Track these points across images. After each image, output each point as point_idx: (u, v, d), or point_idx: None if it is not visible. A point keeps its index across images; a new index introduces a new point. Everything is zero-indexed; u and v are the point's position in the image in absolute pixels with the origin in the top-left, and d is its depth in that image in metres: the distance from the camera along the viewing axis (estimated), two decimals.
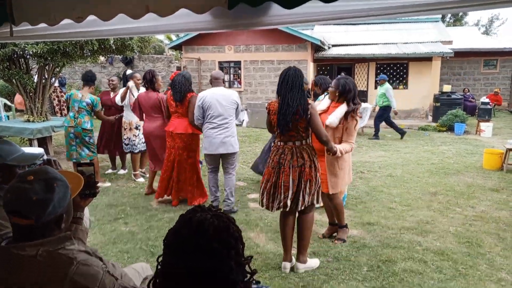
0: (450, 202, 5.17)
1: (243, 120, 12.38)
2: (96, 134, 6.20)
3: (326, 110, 3.76)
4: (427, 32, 15.97)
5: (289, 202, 3.21)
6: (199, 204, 1.39)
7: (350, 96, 3.65)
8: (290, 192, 3.20)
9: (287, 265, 3.36)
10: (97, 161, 6.03)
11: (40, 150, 2.02)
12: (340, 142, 3.63)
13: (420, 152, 8.62)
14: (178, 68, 14.46)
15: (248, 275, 1.17)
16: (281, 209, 3.29)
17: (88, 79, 5.82)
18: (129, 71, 6.24)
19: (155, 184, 5.34)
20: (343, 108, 3.64)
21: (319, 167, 3.32)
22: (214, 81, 4.71)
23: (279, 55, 14.09)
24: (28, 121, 7.27)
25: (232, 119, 4.62)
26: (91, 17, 1.87)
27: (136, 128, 6.04)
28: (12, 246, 1.25)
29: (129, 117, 6.01)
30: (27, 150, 1.97)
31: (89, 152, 5.79)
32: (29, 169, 1.76)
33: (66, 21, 1.93)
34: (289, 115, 3.12)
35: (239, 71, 14.61)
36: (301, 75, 3.23)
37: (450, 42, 15.13)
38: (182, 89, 4.74)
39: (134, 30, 2.44)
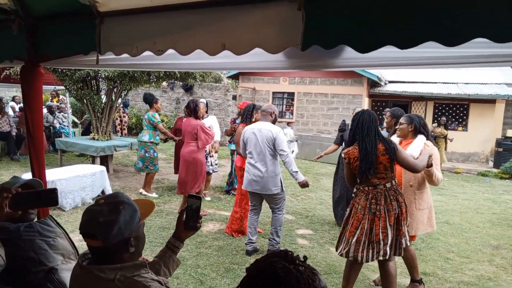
0: None
1: (293, 151, 12.32)
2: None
3: None
4: (490, 73, 15.29)
5: (388, 250, 3.00)
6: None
7: (427, 130, 3.43)
8: (389, 238, 2.98)
9: None
10: (151, 176, 6.51)
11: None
12: (419, 178, 3.36)
13: (479, 200, 8.09)
14: (234, 97, 14.92)
15: None
16: (381, 258, 3.03)
17: (147, 101, 6.58)
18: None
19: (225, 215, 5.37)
20: (422, 138, 3.40)
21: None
22: (262, 114, 4.45)
23: (334, 88, 14.04)
24: (94, 139, 7.74)
25: (270, 156, 4.20)
26: (169, 51, 1.98)
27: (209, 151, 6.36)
28: (93, 267, 1.31)
29: None
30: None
31: (142, 165, 6.34)
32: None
33: (146, 52, 2.06)
34: (368, 162, 2.96)
35: (292, 102, 14.72)
36: (376, 119, 3.08)
37: None
38: (245, 115, 5.00)
39: (208, 65, 2.54)
